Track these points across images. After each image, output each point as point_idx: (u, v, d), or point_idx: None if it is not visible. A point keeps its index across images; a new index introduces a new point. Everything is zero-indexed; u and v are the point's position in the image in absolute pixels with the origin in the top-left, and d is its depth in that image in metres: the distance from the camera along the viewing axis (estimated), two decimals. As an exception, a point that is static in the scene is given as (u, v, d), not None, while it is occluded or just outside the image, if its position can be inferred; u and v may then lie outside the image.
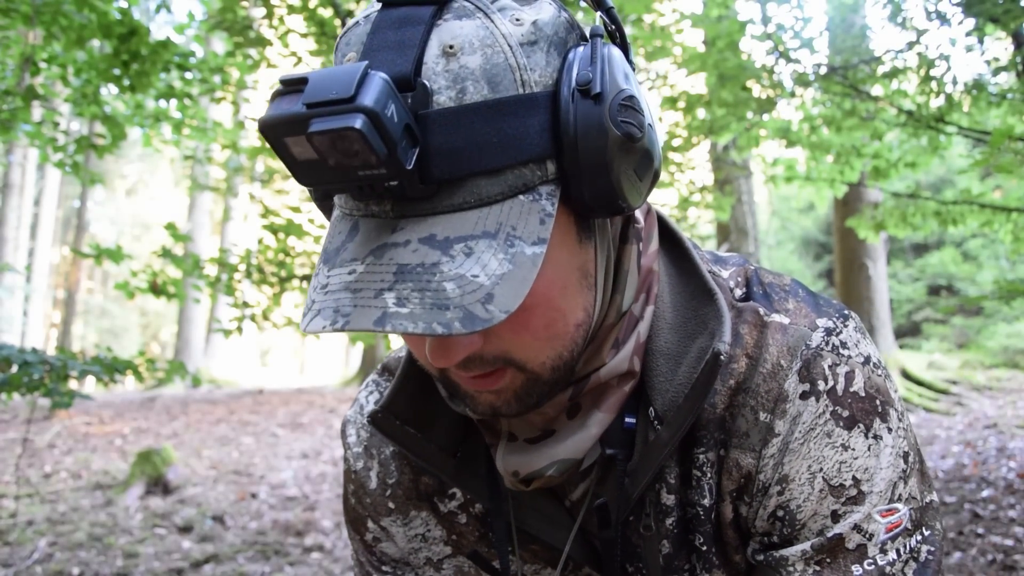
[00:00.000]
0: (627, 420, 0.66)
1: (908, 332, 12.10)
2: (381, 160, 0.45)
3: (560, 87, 0.52)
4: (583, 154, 0.51)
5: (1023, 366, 8.88)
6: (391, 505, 0.78)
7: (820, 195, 5.55)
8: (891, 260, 12.56)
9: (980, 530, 3.63)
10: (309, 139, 0.45)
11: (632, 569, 0.70)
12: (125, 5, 3.80)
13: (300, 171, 0.48)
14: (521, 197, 0.51)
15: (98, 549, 4.13)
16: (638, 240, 0.66)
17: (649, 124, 0.55)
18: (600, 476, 0.69)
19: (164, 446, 5.92)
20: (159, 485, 5.42)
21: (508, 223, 0.50)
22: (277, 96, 0.47)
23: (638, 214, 0.68)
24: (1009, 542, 3.44)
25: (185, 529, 4.56)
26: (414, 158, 0.47)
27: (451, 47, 0.50)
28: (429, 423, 0.70)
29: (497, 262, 0.48)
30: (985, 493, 4.26)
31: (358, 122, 0.43)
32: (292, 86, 0.47)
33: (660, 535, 0.67)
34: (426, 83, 0.49)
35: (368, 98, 0.44)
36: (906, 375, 8.15)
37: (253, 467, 6.31)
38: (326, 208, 0.60)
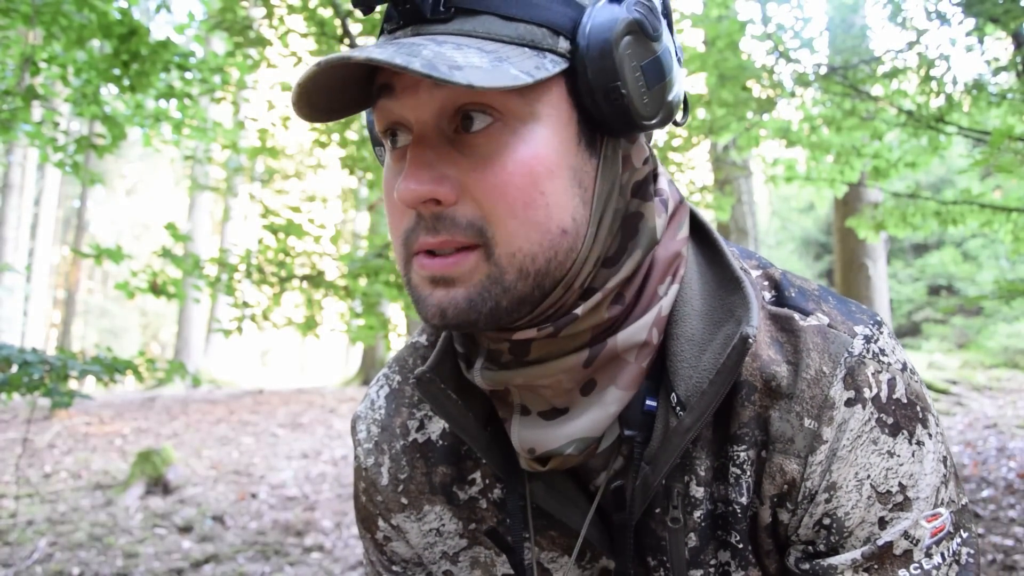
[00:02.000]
0: (648, 403, 0.65)
1: (908, 332, 12.10)
2: None
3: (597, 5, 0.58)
4: (594, 29, 0.55)
5: (1023, 366, 8.88)
6: (404, 501, 0.77)
7: (820, 195, 5.55)
8: (891, 260, 12.56)
9: (980, 530, 3.63)
10: None
11: (655, 562, 0.69)
12: (125, 5, 3.80)
13: None
14: (526, 49, 0.54)
15: (98, 549, 4.13)
16: (667, 218, 0.66)
17: (668, 47, 0.59)
18: (623, 465, 0.68)
19: (164, 446, 5.92)
20: (159, 485, 5.43)
21: (503, 53, 0.53)
22: None
23: (665, 186, 0.67)
24: (1009, 542, 3.44)
25: (185, 529, 4.56)
26: None
27: None
28: (466, 395, 0.68)
29: (479, 60, 0.51)
30: (985, 493, 4.26)
31: None
32: None
33: (687, 528, 0.66)
34: None
35: None
36: (906, 375, 8.15)
37: (253, 467, 6.31)
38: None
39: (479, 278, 0.56)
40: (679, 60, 0.64)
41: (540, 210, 0.55)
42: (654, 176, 0.67)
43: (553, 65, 0.54)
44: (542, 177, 0.55)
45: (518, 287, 0.56)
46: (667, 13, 0.62)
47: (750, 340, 0.59)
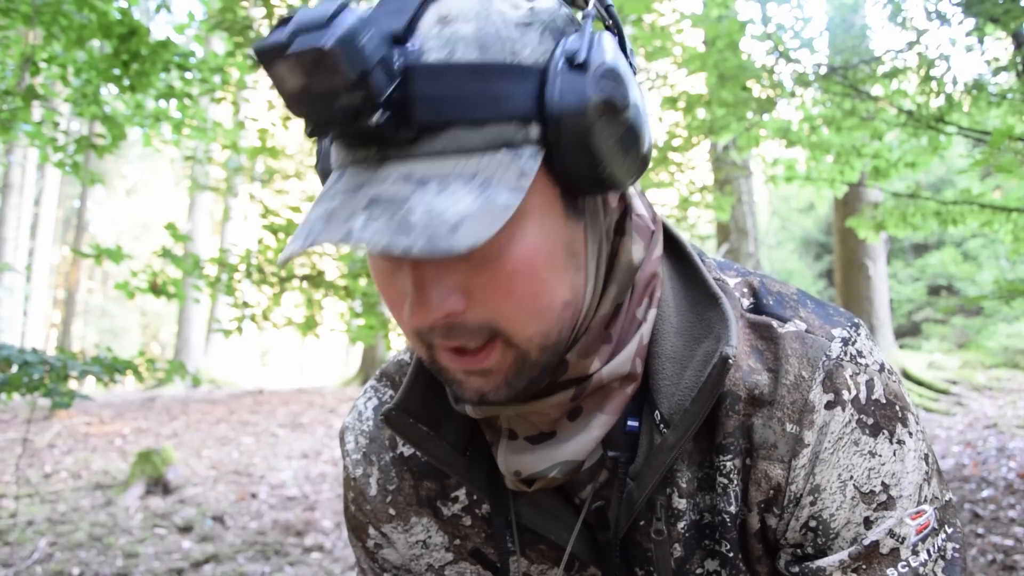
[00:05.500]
0: (630, 423, 0.66)
1: (908, 332, 12.09)
2: (352, 83, 0.47)
3: (549, 64, 0.53)
4: (564, 117, 0.52)
5: (1023, 366, 8.87)
6: (391, 511, 0.78)
7: (820, 195, 5.55)
8: (891, 260, 12.55)
9: (980, 530, 3.63)
10: (286, 61, 0.48)
11: (643, 573, 0.70)
12: (125, 5, 3.80)
13: (292, 102, 0.51)
14: (501, 153, 0.51)
15: (98, 549, 4.13)
16: (644, 242, 0.66)
17: (636, 104, 0.55)
18: (608, 479, 0.69)
19: (164, 446, 5.92)
20: (159, 485, 5.42)
21: (484, 172, 0.50)
22: (272, 30, 0.50)
23: (642, 210, 0.67)
24: (1009, 542, 3.44)
25: (185, 529, 4.56)
26: (388, 92, 0.49)
27: (446, 16, 0.52)
28: (439, 422, 0.70)
29: (469, 201, 0.49)
30: (985, 493, 4.26)
31: (329, 42, 0.46)
32: (283, 22, 0.50)
33: (671, 539, 0.67)
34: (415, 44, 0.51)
35: (340, 24, 0.47)
36: (906, 375, 8.15)
37: (253, 467, 6.31)
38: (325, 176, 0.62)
39: (509, 362, 0.58)
40: (640, 103, 0.61)
41: (543, 297, 0.56)
42: (626, 208, 0.67)
43: (532, 162, 0.52)
44: (540, 267, 0.55)
45: (544, 358, 0.59)
46: (620, 34, 0.60)
47: (730, 360, 0.60)
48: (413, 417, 0.68)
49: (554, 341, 0.58)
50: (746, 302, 0.69)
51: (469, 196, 0.49)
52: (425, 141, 0.51)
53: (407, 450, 0.78)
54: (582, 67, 0.53)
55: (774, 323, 0.66)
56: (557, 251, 0.56)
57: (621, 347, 0.64)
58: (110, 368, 3.18)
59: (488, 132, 0.51)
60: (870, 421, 0.63)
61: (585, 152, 0.53)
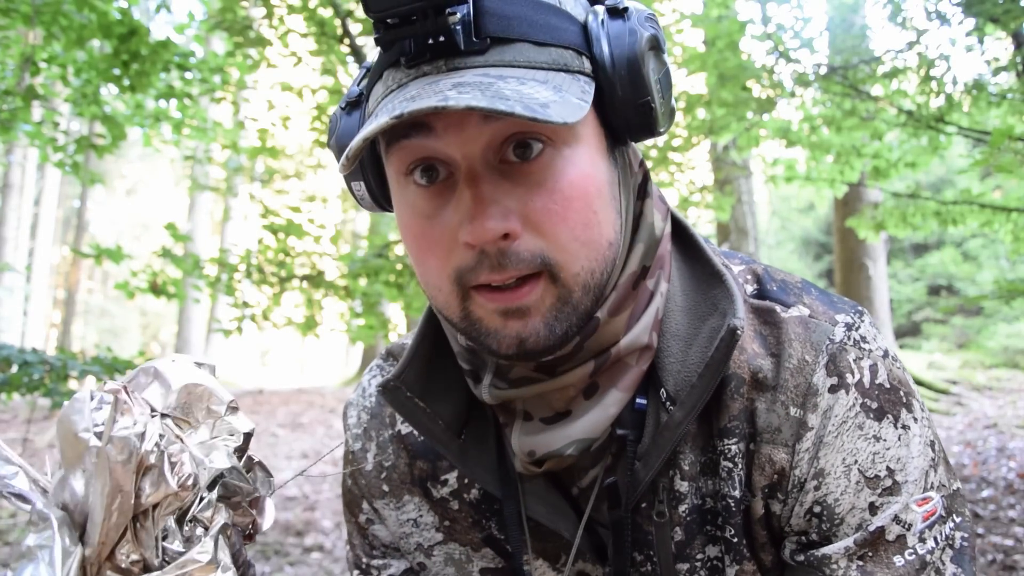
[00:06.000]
0: (638, 401, 0.66)
1: (908, 332, 12.09)
2: None
3: (588, 19, 0.60)
4: (617, 50, 0.58)
5: (1023, 366, 8.87)
6: (385, 488, 0.79)
7: (820, 195, 5.55)
8: (891, 260, 12.55)
9: (980, 530, 3.63)
10: None
11: (641, 557, 0.69)
12: (125, 5, 3.80)
13: None
14: (563, 74, 0.55)
15: (98, 549, 4.13)
16: (661, 213, 0.68)
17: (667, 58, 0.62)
18: (611, 463, 0.68)
19: (164, 446, 5.91)
20: (159, 485, 5.41)
21: (553, 81, 0.55)
22: None
23: (654, 189, 0.69)
24: (1009, 542, 3.44)
25: (185, 529, 4.56)
26: None
27: None
28: (436, 399, 0.70)
29: (549, 94, 0.52)
30: (985, 493, 4.26)
31: None
32: None
33: (672, 522, 0.67)
34: None
35: None
36: (906, 375, 8.14)
37: (253, 467, 6.30)
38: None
39: (550, 302, 0.58)
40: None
41: (594, 229, 0.58)
42: (646, 175, 0.69)
43: (588, 87, 0.56)
44: (593, 197, 0.57)
45: (584, 303, 0.59)
46: None
47: (738, 331, 0.60)
48: (410, 391, 0.68)
49: (596, 283, 0.59)
50: (750, 288, 0.69)
51: (547, 91, 0.52)
52: (495, 52, 0.54)
53: (405, 428, 0.78)
54: (623, 14, 0.59)
55: (777, 308, 0.66)
56: (605, 187, 0.59)
57: (637, 317, 0.64)
58: (110, 368, 3.18)
59: (551, 53, 0.56)
60: (874, 405, 0.62)
61: (636, 82, 0.58)
